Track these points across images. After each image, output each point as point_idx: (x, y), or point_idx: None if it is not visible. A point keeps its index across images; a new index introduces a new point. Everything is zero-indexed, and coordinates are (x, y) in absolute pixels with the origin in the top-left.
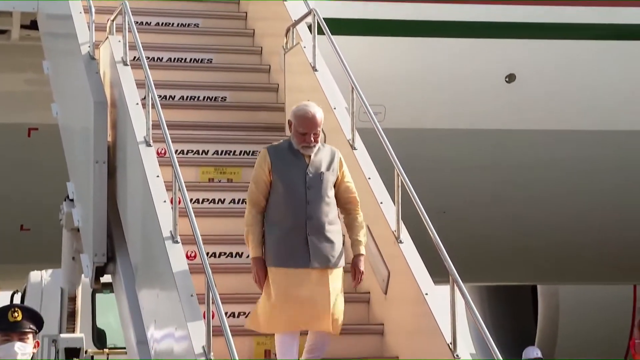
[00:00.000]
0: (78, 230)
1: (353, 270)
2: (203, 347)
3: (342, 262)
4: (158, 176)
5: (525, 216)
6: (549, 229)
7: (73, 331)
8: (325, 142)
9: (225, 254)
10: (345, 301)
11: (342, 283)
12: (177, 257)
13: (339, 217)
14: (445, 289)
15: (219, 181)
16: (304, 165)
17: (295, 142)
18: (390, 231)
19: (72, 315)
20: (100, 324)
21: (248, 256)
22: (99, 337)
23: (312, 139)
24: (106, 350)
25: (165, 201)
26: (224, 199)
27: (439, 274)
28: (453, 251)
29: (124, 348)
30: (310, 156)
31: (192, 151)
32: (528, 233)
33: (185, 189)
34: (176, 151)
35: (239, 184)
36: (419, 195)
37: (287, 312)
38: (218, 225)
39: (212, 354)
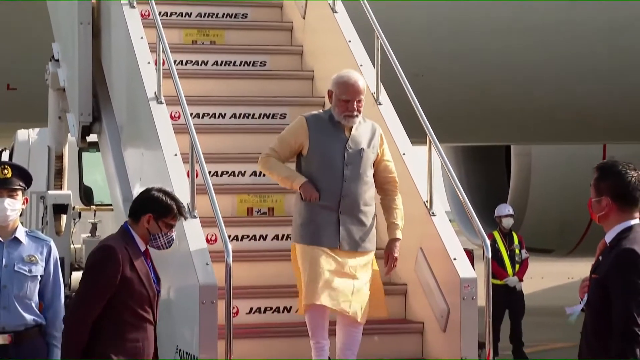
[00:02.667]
0: (64, 90)
1: (386, 256)
2: (187, 204)
3: (372, 247)
4: (142, 38)
5: (500, 79)
6: (523, 92)
7: (60, 189)
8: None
9: (208, 114)
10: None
11: (371, 272)
12: (161, 117)
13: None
14: (422, 149)
15: (202, 43)
16: (344, 140)
17: (337, 112)
18: (369, 93)
19: (59, 173)
20: (87, 181)
21: (231, 117)
22: (86, 194)
23: (355, 107)
24: (93, 207)
25: (149, 62)
26: (207, 61)
27: (416, 134)
28: (430, 113)
29: (111, 205)
30: (351, 130)
31: (176, 13)
32: (503, 95)
33: (169, 50)
34: (160, 13)
35: (222, 46)
36: (397, 59)
37: (317, 286)
38: (202, 86)
39: (196, 211)
